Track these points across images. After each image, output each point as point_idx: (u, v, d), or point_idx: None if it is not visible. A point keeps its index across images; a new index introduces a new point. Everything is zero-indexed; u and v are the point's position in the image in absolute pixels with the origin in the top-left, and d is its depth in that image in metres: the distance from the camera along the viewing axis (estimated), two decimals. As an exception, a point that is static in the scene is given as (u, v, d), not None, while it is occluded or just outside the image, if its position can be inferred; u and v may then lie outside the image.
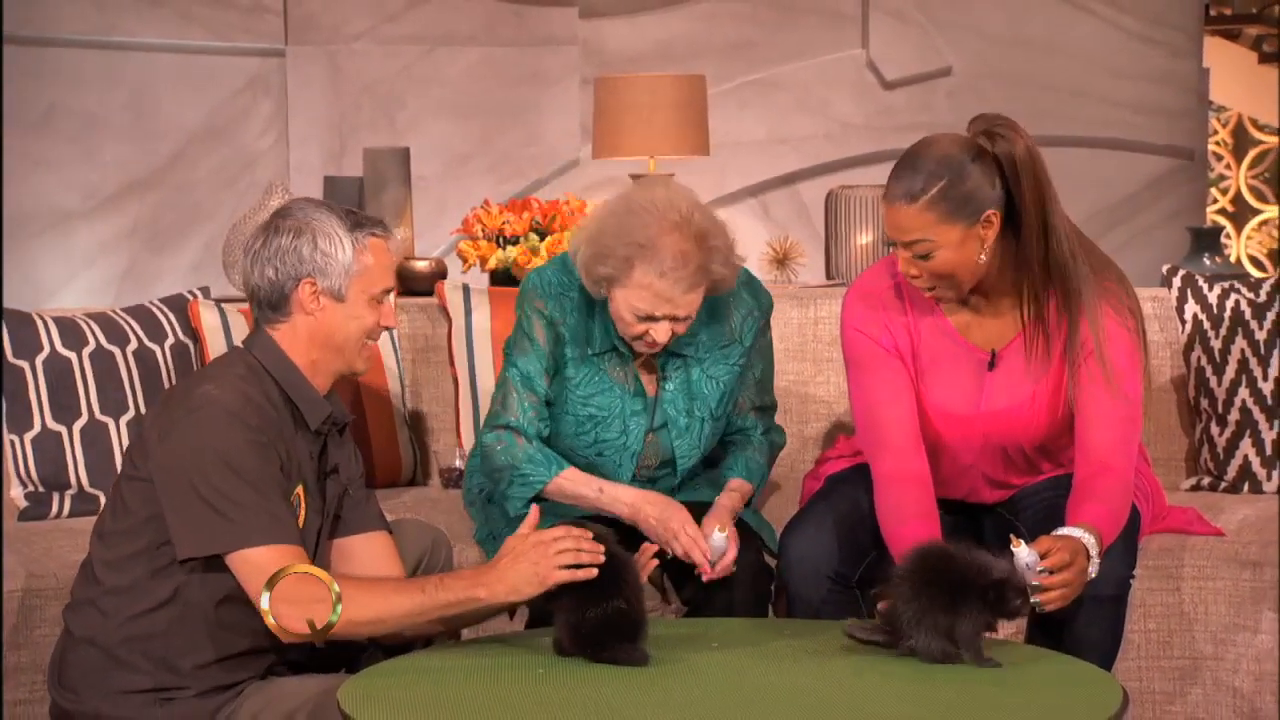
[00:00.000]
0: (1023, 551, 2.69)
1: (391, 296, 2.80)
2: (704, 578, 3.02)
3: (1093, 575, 2.77)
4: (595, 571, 2.62)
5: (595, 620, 2.62)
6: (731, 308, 3.19)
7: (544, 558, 2.61)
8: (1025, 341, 2.95)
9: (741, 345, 3.21)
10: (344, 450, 2.84)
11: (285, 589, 2.58)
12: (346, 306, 2.72)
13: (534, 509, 2.75)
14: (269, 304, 2.72)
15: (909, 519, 2.90)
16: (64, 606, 2.76)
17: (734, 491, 3.19)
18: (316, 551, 2.77)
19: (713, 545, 3.01)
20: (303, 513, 2.72)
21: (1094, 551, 2.77)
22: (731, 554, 3.03)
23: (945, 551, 2.65)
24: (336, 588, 2.60)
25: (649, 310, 3.02)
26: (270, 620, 2.59)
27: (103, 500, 3.47)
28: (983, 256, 2.87)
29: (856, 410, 3.04)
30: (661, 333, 3.05)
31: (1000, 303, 2.97)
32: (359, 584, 2.65)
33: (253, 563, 2.59)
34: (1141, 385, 2.96)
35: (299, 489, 2.72)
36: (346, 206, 2.80)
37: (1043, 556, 2.70)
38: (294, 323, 2.73)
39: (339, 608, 2.58)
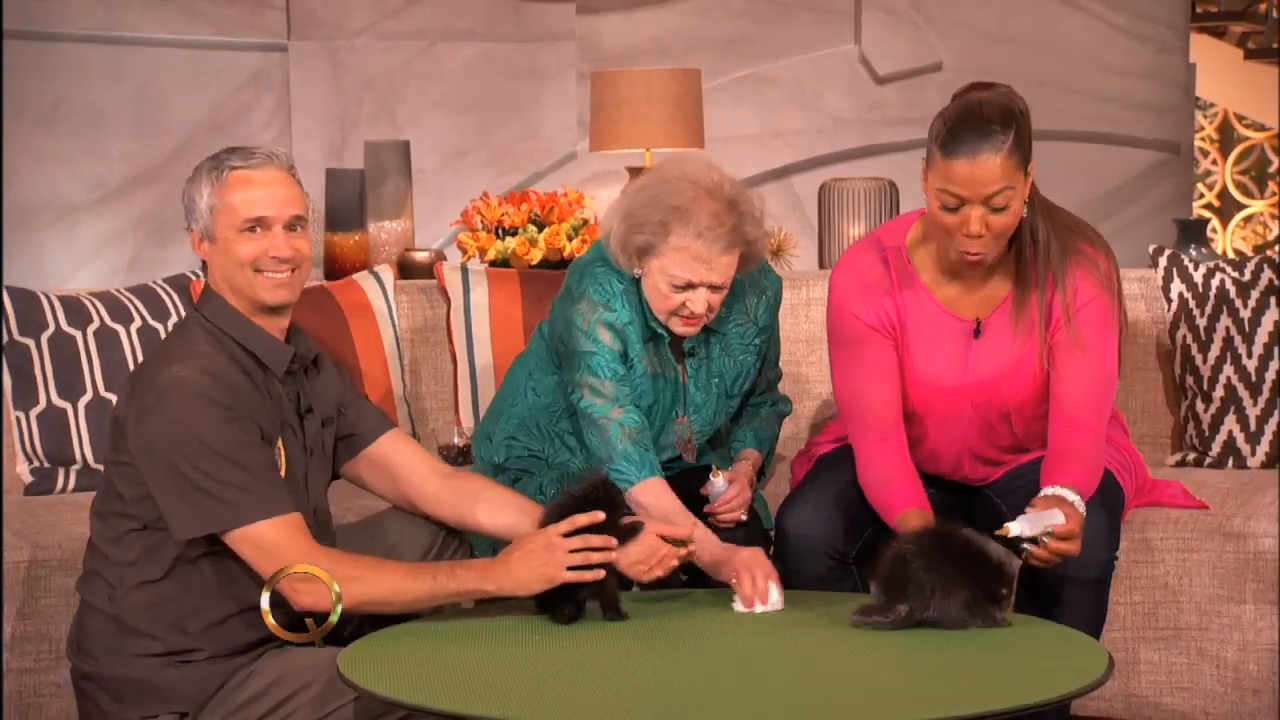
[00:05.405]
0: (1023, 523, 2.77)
1: (279, 227, 2.68)
2: (714, 520, 3.09)
3: None
4: (603, 572, 2.64)
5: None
6: (747, 288, 3.20)
7: (554, 557, 2.63)
8: (1011, 306, 2.96)
9: (756, 326, 3.23)
10: (321, 380, 2.83)
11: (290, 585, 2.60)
12: (219, 245, 2.71)
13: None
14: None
15: (893, 479, 2.93)
16: (77, 578, 2.80)
17: (746, 460, 3.26)
18: (307, 490, 2.79)
19: (714, 488, 3.11)
20: (283, 463, 2.73)
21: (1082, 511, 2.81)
22: (732, 492, 3.11)
23: (950, 528, 2.68)
24: (337, 588, 2.62)
25: (687, 276, 2.99)
26: (270, 621, 2.63)
27: (107, 476, 3.53)
28: (1024, 211, 2.87)
29: (840, 388, 3.04)
30: (699, 302, 3.01)
31: (989, 271, 2.96)
32: (369, 564, 2.65)
33: (253, 539, 2.61)
34: (1116, 345, 2.96)
35: (280, 442, 2.73)
36: (238, 147, 2.75)
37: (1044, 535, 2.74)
38: (209, 272, 2.76)
39: (338, 608, 2.61)
